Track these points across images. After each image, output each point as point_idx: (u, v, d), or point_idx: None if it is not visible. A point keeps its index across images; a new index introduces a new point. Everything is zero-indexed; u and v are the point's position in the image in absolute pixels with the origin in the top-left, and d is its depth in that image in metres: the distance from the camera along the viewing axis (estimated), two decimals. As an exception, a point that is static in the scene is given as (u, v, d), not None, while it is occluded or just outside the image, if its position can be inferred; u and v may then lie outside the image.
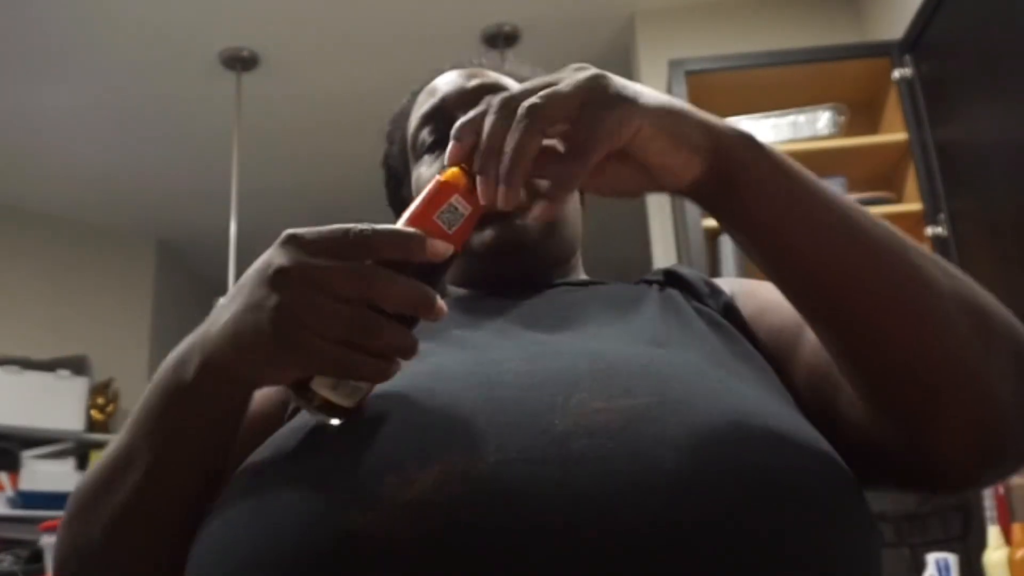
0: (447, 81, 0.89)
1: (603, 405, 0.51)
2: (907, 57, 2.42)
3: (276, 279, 0.52)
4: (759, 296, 0.76)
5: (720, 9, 3.01)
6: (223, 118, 3.28)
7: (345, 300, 0.51)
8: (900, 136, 2.43)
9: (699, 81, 2.54)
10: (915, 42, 2.37)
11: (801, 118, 2.53)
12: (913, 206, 2.38)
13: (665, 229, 2.84)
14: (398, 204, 0.94)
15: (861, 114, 2.62)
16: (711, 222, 2.43)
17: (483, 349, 0.63)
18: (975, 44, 2.07)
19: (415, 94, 0.94)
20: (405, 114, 0.93)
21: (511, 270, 0.81)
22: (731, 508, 0.47)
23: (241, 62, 3.22)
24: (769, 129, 2.53)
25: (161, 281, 4.61)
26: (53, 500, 3.67)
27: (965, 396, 0.56)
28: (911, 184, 2.43)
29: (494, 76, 0.87)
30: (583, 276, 0.88)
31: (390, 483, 0.48)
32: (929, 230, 2.30)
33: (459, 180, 0.57)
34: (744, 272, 2.39)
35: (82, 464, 3.95)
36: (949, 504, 2.31)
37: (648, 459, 0.47)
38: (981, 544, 1.95)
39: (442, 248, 0.54)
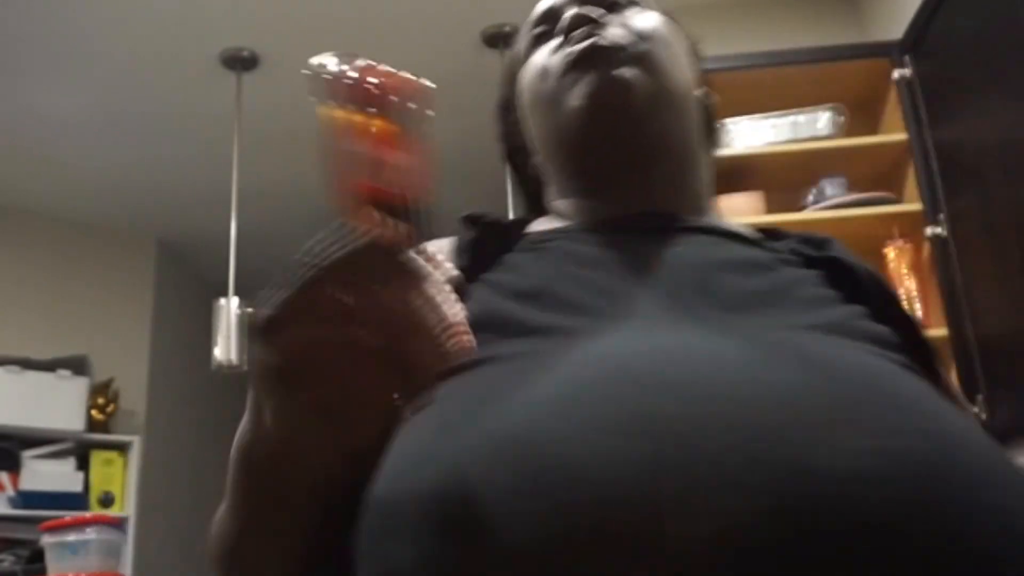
0: None
1: (873, 444, 0.44)
2: (907, 57, 2.42)
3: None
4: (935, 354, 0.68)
5: (720, 9, 3.01)
6: (223, 118, 3.28)
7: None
8: (900, 136, 2.43)
9: (699, 81, 2.54)
10: (915, 42, 2.37)
11: (801, 118, 2.53)
12: (913, 206, 2.38)
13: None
14: (509, 138, 0.85)
15: (861, 114, 2.62)
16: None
17: (692, 338, 0.52)
18: (975, 44, 2.07)
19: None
20: (512, 66, 0.83)
21: (615, 142, 0.70)
22: None
23: (241, 62, 3.22)
24: (769, 129, 2.53)
25: (161, 281, 4.62)
26: (53, 500, 3.68)
27: None
28: (911, 184, 2.43)
29: None
30: (712, 215, 0.75)
31: (655, 539, 0.41)
32: (929, 230, 2.30)
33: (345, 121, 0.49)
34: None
35: (82, 464, 3.96)
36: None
37: (938, 522, 0.42)
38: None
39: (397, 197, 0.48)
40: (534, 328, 0.57)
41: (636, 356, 0.50)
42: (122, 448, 4.09)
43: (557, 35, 0.73)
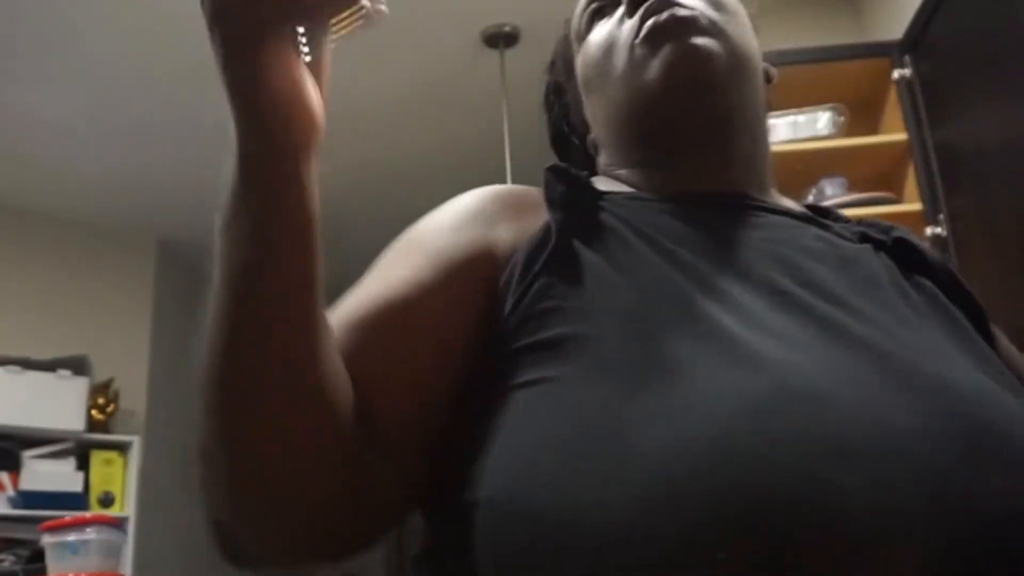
0: None
1: (1011, 483, 0.45)
2: (907, 57, 2.42)
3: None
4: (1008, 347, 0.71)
5: (720, 9, 3.01)
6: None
7: None
8: (900, 136, 2.43)
9: (699, 81, 2.54)
10: (915, 42, 2.37)
11: (801, 118, 2.53)
12: (913, 206, 2.38)
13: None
14: (559, 121, 0.84)
15: (861, 114, 2.62)
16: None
17: (823, 345, 0.52)
18: (975, 44, 2.07)
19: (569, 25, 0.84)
20: (565, 32, 0.84)
21: (696, 114, 0.67)
22: None
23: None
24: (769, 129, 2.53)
25: (161, 281, 4.62)
26: (53, 500, 3.68)
27: None
28: (911, 184, 2.43)
29: None
30: (779, 197, 0.75)
31: (869, 565, 0.42)
32: (929, 230, 2.30)
33: None
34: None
35: (82, 464, 3.96)
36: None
37: None
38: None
39: None
40: (680, 305, 0.54)
41: (792, 369, 0.49)
42: (122, 448, 4.09)
43: (623, 5, 0.71)
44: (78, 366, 4.03)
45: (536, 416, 0.50)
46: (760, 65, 0.74)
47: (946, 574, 0.42)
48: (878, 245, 0.67)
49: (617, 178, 0.72)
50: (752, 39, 0.73)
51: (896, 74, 2.44)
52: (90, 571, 2.24)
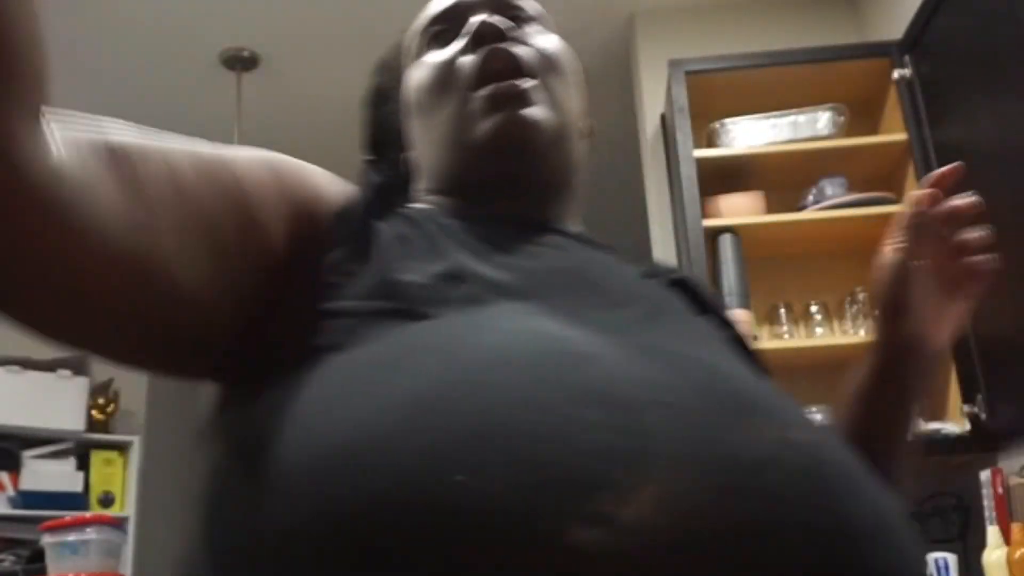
0: None
1: (779, 435, 0.50)
2: (907, 57, 2.42)
3: None
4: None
5: (720, 9, 3.01)
6: (223, 118, 3.28)
7: None
8: (900, 136, 2.43)
9: (699, 81, 2.54)
10: (915, 42, 2.37)
11: (801, 118, 2.54)
12: (913, 206, 2.38)
13: (665, 229, 2.84)
14: (376, 128, 0.85)
15: (861, 114, 2.62)
16: (711, 222, 2.44)
17: (592, 320, 0.55)
18: (975, 44, 2.07)
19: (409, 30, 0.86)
20: (401, 40, 0.86)
21: (512, 178, 0.71)
22: (913, 555, 0.51)
23: (241, 62, 3.22)
24: (769, 129, 2.53)
25: (161, 281, 4.62)
26: (53, 500, 3.68)
27: None
28: (911, 184, 2.44)
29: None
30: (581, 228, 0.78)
31: (605, 499, 0.43)
32: (929, 230, 2.30)
33: None
34: (743, 272, 2.39)
35: (82, 464, 3.96)
36: (949, 504, 2.31)
37: (842, 506, 0.48)
38: (980, 544, 1.96)
39: None
40: (465, 285, 0.57)
41: (565, 334, 0.52)
42: (122, 448, 4.09)
43: (462, 39, 0.73)
44: (78, 366, 4.03)
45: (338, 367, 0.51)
46: (579, 122, 0.77)
47: (695, 503, 0.44)
48: (662, 282, 0.72)
49: (430, 203, 0.74)
50: (576, 98, 0.76)
51: (896, 74, 2.44)
52: (90, 571, 2.24)
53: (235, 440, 0.54)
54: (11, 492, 3.75)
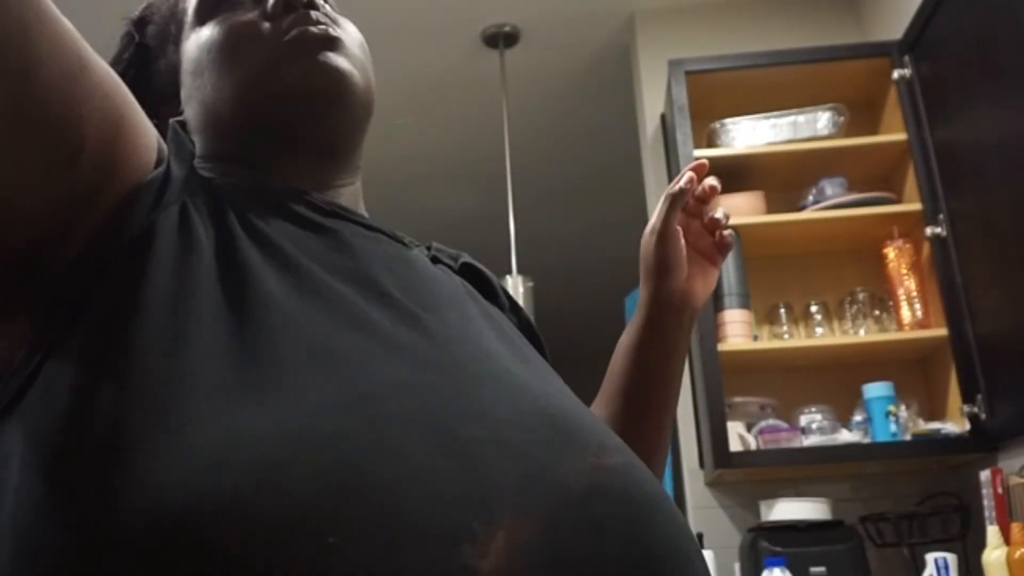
0: None
1: (596, 462, 0.52)
2: (907, 57, 2.42)
3: None
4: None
5: (720, 9, 3.01)
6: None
7: None
8: (900, 136, 2.43)
9: (699, 81, 2.54)
10: (915, 42, 2.37)
11: (801, 118, 2.54)
12: (913, 206, 2.38)
13: (665, 229, 2.84)
14: (138, 81, 0.77)
15: (861, 114, 2.62)
16: (711, 222, 2.43)
17: (414, 352, 0.55)
18: (975, 44, 2.07)
19: None
20: (161, 12, 0.84)
21: (324, 126, 0.70)
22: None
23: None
24: (769, 129, 2.53)
25: (161, 281, 4.62)
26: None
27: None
28: (911, 184, 2.44)
29: None
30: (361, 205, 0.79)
31: (468, 552, 0.44)
32: (929, 230, 2.30)
33: None
34: (743, 272, 2.39)
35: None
36: (949, 504, 2.31)
37: (650, 532, 0.51)
38: (980, 544, 1.96)
39: None
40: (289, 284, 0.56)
41: (398, 370, 0.53)
42: (122, 448, 4.09)
43: (261, 6, 0.71)
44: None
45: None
46: (369, 98, 0.75)
47: (539, 544, 0.46)
48: (448, 268, 0.73)
49: (209, 167, 0.69)
50: (370, 77, 0.75)
51: (896, 74, 2.44)
52: (90, 571, 2.24)
53: (39, 442, 0.47)
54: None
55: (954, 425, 2.24)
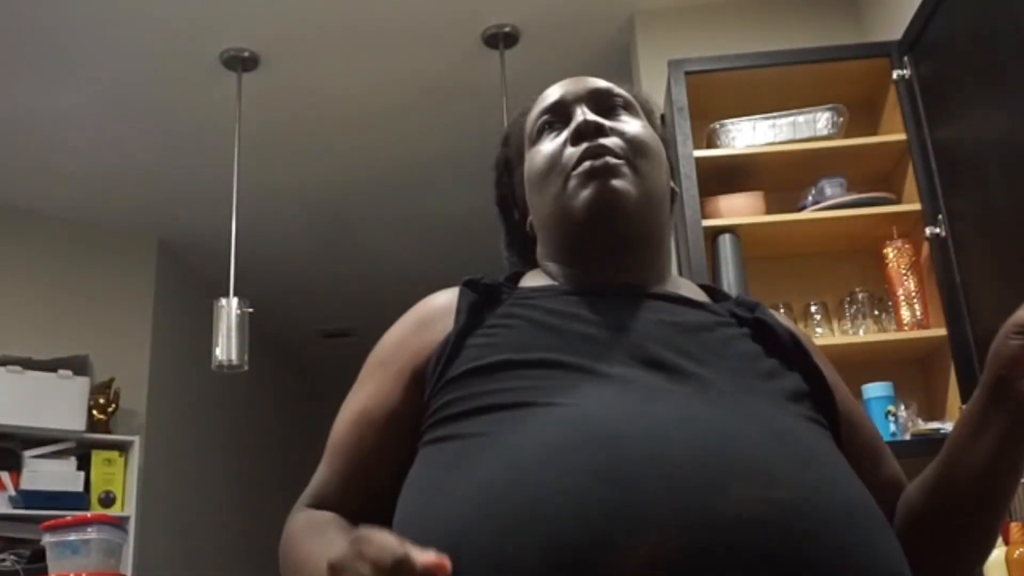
0: (565, 82, 1.00)
1: (761, 495, 0.64)
2: (906, 58, 2.42)
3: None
4: (841, 392, 0.91)
5: (720, 9, 3.02)
6: (224, 118, 3.28)
7: None
8: (899, 136, 2.43)
9: (699, 81, 2.54)
10: (914, 42, 2.37)
11: (801, 118, 2.54)
12: (912, 206, 2.38)
13: (665, 229, 2.84)
14: (506, 189, 1.03)
15: (860, 114, 2.62)
16: (711, 222, 2.44)
17: (632, 394, 0.73)
18: (974, 44, 2.08)
19: (529, 110, 1.03)
20: (521, 119, 1.03)
21: (605, 240, 0.88)
22: None
23: (242, 62, 3.22)
24: (769, 129, 2.53)
25: (161, 281, 4.62)
26: (54, 499, 3.68)
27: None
28: (910, 184, 2.44)
29: (606, 83, 0.99)
30: (672, 282, 0.94)
31: (605, 564, 0.60)
32: (928, 230, 2.30)
33: None
34: (743, 272, 2.39)
35: (83, 464, 3.96)
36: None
37: (803, 555, 0.62)
38: (980, 543, 1.95)
39: None
40: (531, 377, 0.76)
41: (604, 418, 0.70)
42: (123, 448, 4.09)
43: (566, 132, 0.91)
44: (79, 366, 4.03)
45: (428, 466, 0.76)
46: (667, 192, 0.96)
47: (680, 558, 0.60)
48: (742, 321, 0.88)
49: (545, 269, 0.95)
50: (663, 176, 0.94)
51: (895, 74, 2.44)
52: (90, 570, 2.24)
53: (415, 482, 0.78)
54: (12, 492, 3.75)
55: (953, 425, 2.24)
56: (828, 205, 2.44)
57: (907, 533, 0.83)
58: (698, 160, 2.44)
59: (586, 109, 0.93)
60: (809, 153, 2.49)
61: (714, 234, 2.44)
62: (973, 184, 2.13)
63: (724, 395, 0.74)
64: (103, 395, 4.12)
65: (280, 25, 3.08)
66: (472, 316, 0.84)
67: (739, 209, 2.47)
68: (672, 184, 0.99)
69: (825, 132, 2.53)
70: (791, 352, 0.86)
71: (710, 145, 2.55)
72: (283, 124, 3.64)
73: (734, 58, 2.58)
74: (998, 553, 1.84)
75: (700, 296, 0.93)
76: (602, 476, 0.64)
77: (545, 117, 0.96)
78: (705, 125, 2.55)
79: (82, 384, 3.98)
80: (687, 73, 2.53)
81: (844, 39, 2.80)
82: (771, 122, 2.54)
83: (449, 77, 3.42)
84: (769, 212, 2.48)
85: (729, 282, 2.39)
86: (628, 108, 0.96)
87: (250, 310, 3.09)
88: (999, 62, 1.95)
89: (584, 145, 0.89)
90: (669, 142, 1.03)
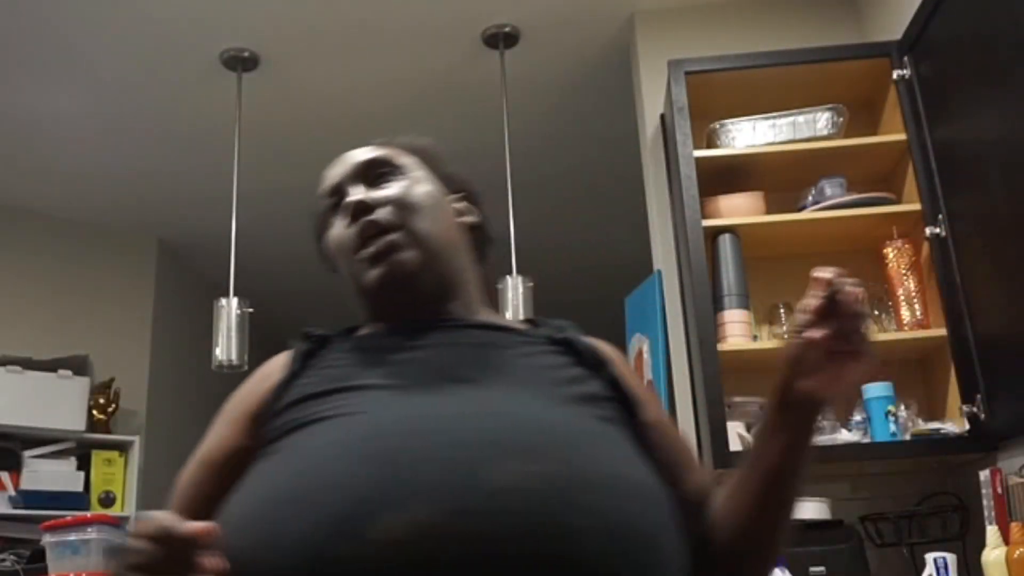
0: (339, 161, 1.07)
1: (518, 468, 0.72)
2: (906, 58, 2.42)
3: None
4: (651, 406, 0.97)
5: (720, 9, 3.01)
6: (224, 118, 3.28)
7: None
8: (899, 136, 2.43)
9: (698, 81, 2.54)
10: (914, 42, 2.37)
11: (801, 118, 2.54)
12: (912, 206, 2.38)
13: (665, 229, 2.84)
14: (322, 248, 1.11)
15: (860, 114, 2.62)
16: (711, 222, 2.44)
17: (414, 399, 0.84)
18: (974, 44, 2.08)
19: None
20: (319, 219, 1.11)
21: (402, 302, 0.98)
22: (619, 556, 0.72)
23: (242, 62, 3.22)
24: (769, 129, 2.53)
25: (161, 281, 4.62)
26: (54, 500, 3.68)
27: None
28: (910, 184, 2.44)
29: (370, 154, 1.05)
30: (480, 312, 1.03)
31: (372, 528, 0.69)
32: (928, 230, 2.30)
33: None
34: (743, 272, 2.40)
35: (83, 464, 3.96)
36: (948, 504, 2.31)
37: (557, 516, 0.71)
38: (979, 543, 1.96)
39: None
40: (332, 400, 0.86)
41: (382, 418, 0.81)
42: (123, 448, 4.09)
43: (345, 214, 0.99)
44: (79, 366, 4.03)
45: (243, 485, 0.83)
46: (456, 231, 1.05)
47: (439, 523, 0.69)
48: (554, 341, 0.96)
49: (365, 323, 1.04)
50: (445, 220, 1.03)
51: (895, 74, 2.44)
52: (90, 571, 2.24)
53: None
54: (12, 492, 3.75)
55: (953, 425, 2.25)
56: (828, 205, 2.44)
57: (717, 539, 0.91)
58: (698, 160, 2.44)
59: (355, 188, 1.01)
60: (809, 153, 2.49)
61: (714, 234, 2.44)
62: (973, 184, 2.13)
63: (497, 395, 0.85)
64: (103, 395, 4.12)
65: (280, 25, 3.08)
66: (303, 361, 0.96)
67: (739, 209, 2.47)
68: (469, 218, 1.09)
69: (825, 132, 2.53)
70: (593, 364, 0.94)
71: (710, 145, 2.55)
72: (283, 124, 3.64)
73: (734, 58, 2.58)
74: (998, 553, 1.84)
75: (509, 324, 1.04)
76: (372, 460, 0.74)
77: (328, 200, 1.05)
78: (705, 125, 2.55)
79: (82, 384, 3.98)
80: (687, 73, 2.53)
81: (844, 39, 2.80)
82: (771, 122, 2.54)
83: (449, 77, 3.42)
84: (769, 212, 2.48)
85: (729, 282, 2.39)
86: (396, 171, 1.03)
87: (250, 310, 3.09)
88: (999, 62, 1.95)
89: (357, 226, 0.98)
90: (465, 182, 1.14)
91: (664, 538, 0.78)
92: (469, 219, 1.09)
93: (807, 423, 0.87)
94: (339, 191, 1.03)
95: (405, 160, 1.06)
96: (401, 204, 0.99)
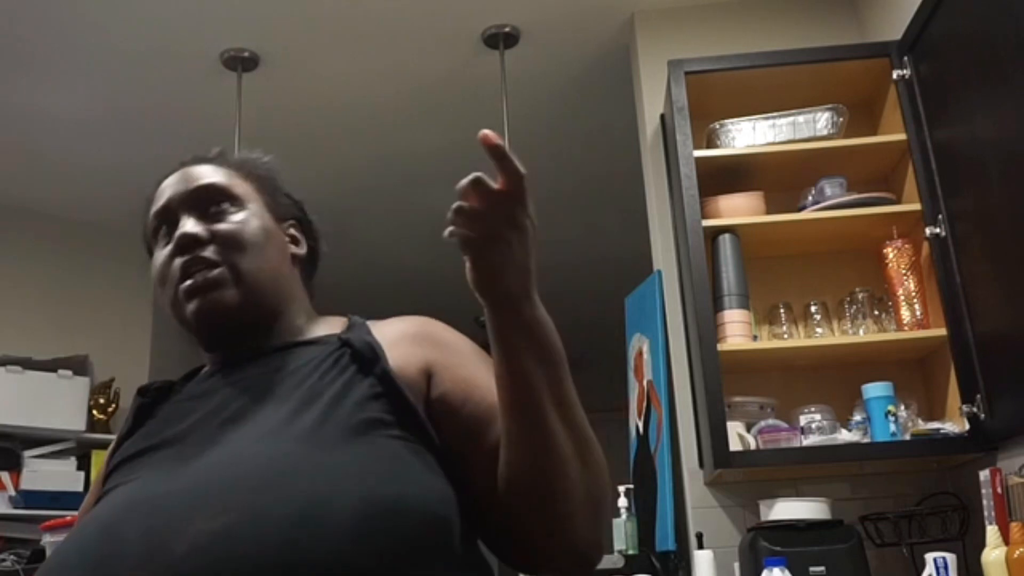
0: (173, 180, 1.07)
1: (205, 527, 0.74)
2: (906, 58, 2.42)
3: None
4: (442, 376, 0.94)
5: (720, 9, 3.02)
6: (224, 118, 3.28)
7: None
8: (899, 136, 2.43)
9: (698, 81, 2.54)
10: (914, 42, 2.38)
11: (801, 118, 2.54)
12: (912, 206, 2.38)
13: (665, 229, 2.84)
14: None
15: (860, 114, 2.62)
16: (711, 222, 2.44)
17: (167, 464, 0.88)
18: (974, 44, 2.08)
19: (152, 196, 1.10)
20: (146, 210, 1.10)
21: (218, 336, 1.00)
22: None
23: (242, 62, 3.22)
24: (769, 129, 2.53)
25: (162, 281, 4.61)
26: (54, 499, 3.68)
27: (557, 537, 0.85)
28: (910, 184, 2.44)
29: (208, 178, 1.05)
30: (306, 327, 1.04)
31: None
32: (928, 230, 2.30)
33: None
34: (743, 272, 2.40)
35: (83, 464, 3.96)
36: (948, 504, 2.31)
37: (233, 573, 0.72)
38: (979, 543, 1.96)
39: None
40: (128, 466, 0.92)
41: (131, 488, 0.86)
42: (123, 448, 4.09)
43: (171, 243, 1.00)
44: (79, 366, 4.03)
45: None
46: (284, 261, 1.06)
47: None
48: (344, 343, 0.96)
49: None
50: (274, 253, 1.04)
51: (895, 74, 2.44)
52: (91, 570, 2.23)
53: None
54: (12, 492, 3.75)
55: (953, 425, 2.25)
56: (828, 205, 2.45)
57: (503, 488, 0.86)
58: (698, 160, 2.44)
59: (187, 217, 1.01)
60: (809, 153, 2.49)
61: (714, 234, 2.44)
62: (973, 184, 2.13)
63: (249, 436, 0.86)
64: (103, 395, 4.12)
65: (280, 25, 3.08)
66: (136, 419, 1.00)
67: (739, 209, 2.47)
68: (298, 250, 1.09)
69: (825, 132, 2.53)
70: (366, 363, 0.92)
71: (710, 145, 2.55)
72: (283, 124, 3.64)
73: (734, 58, 2.58)
74: (998, 553, 1.85)
75: (319, 336, 1.01)
76: (105, 534, 0.79)
77: (154, 224, 1.05)
78: (705, 125, 2.55)
79: (82, 384, 3.98)
80: (687, 73, 2.53)
81: (844, 39, 2.80)
82: (771, 122, 2.54)
83: (449, 77, 3.42)
84: (769, 212, 2.48)
85: (729, 282, 2.39)
86: (232, 202, 1.03)
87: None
88: (999, 62, 1.95)
89: (182, 260, 0.98)
90: (298, 204, 1.15)
91: (358, 562, 0.74)
92: (298, 250, 1.10)
93: (500, 320, 0.82)
94: (171, 216, 1.02)
95: (242, 190, 1.05)
96: (230, 243, 0.99)
